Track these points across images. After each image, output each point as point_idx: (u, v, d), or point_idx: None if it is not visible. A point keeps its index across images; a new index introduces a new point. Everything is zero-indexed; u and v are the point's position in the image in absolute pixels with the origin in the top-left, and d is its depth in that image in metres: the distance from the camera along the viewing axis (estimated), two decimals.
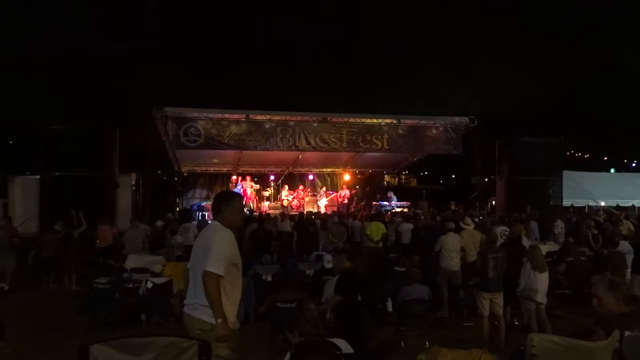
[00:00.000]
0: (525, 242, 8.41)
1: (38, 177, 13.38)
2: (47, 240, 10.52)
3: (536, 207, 14.52)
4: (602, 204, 17.88)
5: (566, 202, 17.08)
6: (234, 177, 19.21)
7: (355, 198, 19.83)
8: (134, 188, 15.50)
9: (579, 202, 17.96)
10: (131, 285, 7.60)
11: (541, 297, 6.33)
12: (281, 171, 20.14)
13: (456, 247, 8.24)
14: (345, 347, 3.41)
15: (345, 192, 19.65)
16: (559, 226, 11.95)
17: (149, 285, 7.21)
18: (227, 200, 3.53)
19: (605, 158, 56.13)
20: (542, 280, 6.33)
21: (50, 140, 13.03)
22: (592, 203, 18.20)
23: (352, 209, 18.45)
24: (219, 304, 3.12)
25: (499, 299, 6.35)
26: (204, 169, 19.81)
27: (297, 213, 16.08)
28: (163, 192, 19.44)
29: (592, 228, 10.76)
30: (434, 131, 16.06)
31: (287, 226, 11.56)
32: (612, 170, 32.68)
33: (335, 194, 19.72)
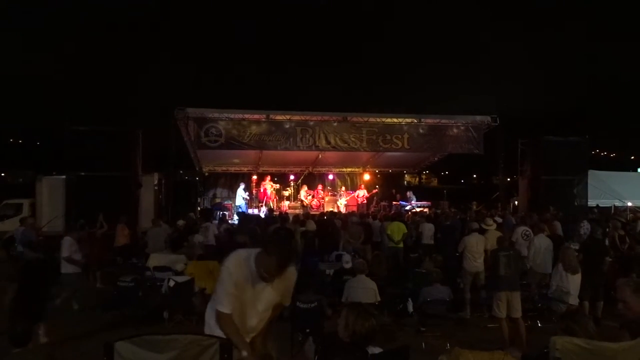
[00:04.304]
0: (547, 242, 8.24)
1: (64, 177, 13.65)
2: (83, 239, 10.73)
3: (560, 207, 14.24)
4: (629, 204, 17.47)
5: (591, 202, 16.72)
6: (255, 177, 19.34)
7: (375, 198, 19.75)
8: (156, 188, 15.73)
9: (604, 202, 17.58)
10: (154, 284, 7.73)
11: (573, 299, 6.21)
12: (301, 171, 20.20)
13: (480, 248, 8.13)
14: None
15: (364, 192, 19.57)
16: (585, 227, 11.69)
17: (171, 283, 7.30)
18: (267, 248, 2.89)
19: (632, 157, 54.77)
20: (574, 282, 6.20)
21: (76, 141, 13.26)
22: (618, 203, 17.80)
23: (372, 209, 18.38)
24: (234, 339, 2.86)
25: (515, 299, 6.16)
26: (224, 169, 20.01)
27: (317, 213, 16.09)
28: (185, 191, 19.68)
29: (619, 229, 10.50)
30: (455, 130, 15.88)
31: (311, 225, 11.58)
32: (639, 170, 31.90)
33: (353, 193, 19.67)
